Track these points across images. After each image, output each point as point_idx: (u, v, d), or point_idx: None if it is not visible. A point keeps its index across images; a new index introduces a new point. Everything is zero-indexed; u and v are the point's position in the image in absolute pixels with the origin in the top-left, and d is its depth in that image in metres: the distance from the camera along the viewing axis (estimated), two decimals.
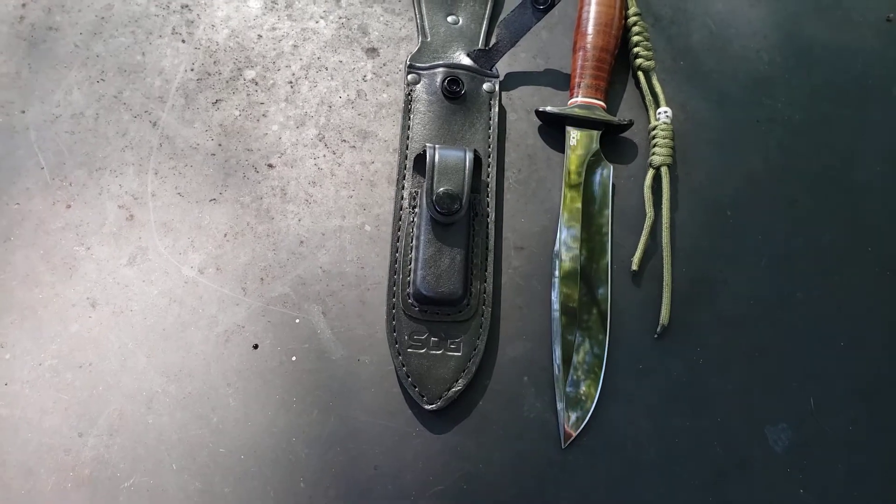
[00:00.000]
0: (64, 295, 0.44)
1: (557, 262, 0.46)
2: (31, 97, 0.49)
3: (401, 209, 0.46)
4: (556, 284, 0.45)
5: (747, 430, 0.44)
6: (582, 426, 0.42)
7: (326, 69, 0.52)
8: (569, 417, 0.42)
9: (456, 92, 0.49)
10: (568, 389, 0.43)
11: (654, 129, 0.50)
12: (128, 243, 0.46)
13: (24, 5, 0.52)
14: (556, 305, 0.45)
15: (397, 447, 0.42)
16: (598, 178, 0.48)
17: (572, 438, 0.42)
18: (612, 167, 0.49)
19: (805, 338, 0.47)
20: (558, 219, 0.48)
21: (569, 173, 0.48)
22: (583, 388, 0.43)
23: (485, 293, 0.44)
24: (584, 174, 0.48)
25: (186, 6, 0.53)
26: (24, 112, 0.49)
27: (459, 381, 0.42)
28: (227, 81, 0.51)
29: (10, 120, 0.48)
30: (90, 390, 0.42)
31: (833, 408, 0.45)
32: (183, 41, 0.52)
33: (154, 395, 0.42)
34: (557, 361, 0.44)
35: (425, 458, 0.42)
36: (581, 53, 0.51)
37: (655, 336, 0.46)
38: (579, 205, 0.47)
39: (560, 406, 0.43)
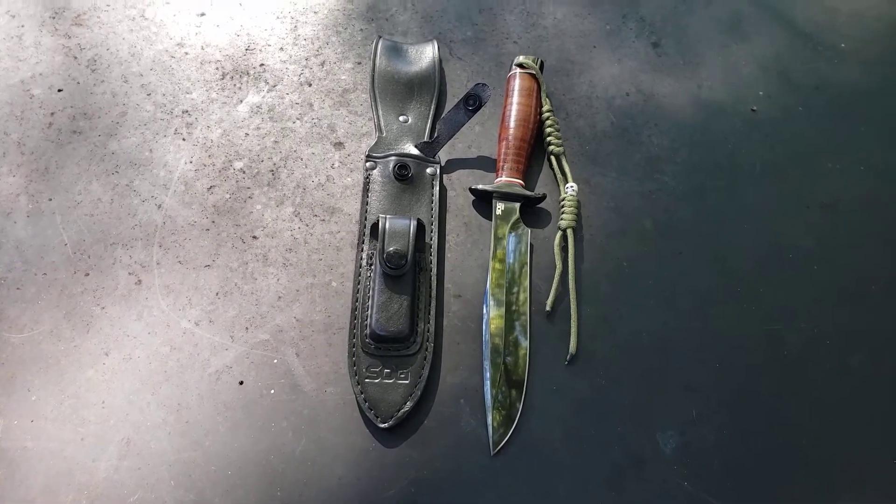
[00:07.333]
0: (82, 346, 0.52)
1: (487, 307, 0.55)
2: (58, 187, 0.58)
3: (360, 267, 0.55)
4: (487, 324, 0.54)
5: (641, 436, 0.51)
6: (507, 437, 0.50)
7: (301, 159, 0.62)
8: (496, 431, 0.50)
9: (405, 175, 0.59)
10: (496, 406, 0.51)
11: (562, 199, 0.60)
12: (136, 303, 0.54)
13: (52, 114, 0.62)
14: (486, 338, 0.54)
15: (357, 459, 0.49)
16: (519, 239, 0.58)
17: (499, 448, 0.50)
18: (529, 230, 0.59)
19: (686, 361, 0.55)
20: (488, 272, 0.57)
21: (496, 236, 0.58)
22: (508, 405, 0.51)
23: (428, 332, 0.53)
24: (507, 236, 0.59)
25: (186, 111, 0.64)
26: (51, 199, 0.58)
27: (408, 404, 0.50)
28: (220, 171, 0.61)
29: (39, 206, 0.57)
30: (103, 423, 0.49)
31: (709, 416, 0.53)
32: (183, 139, 0.62)
33: (157, 425, 0.49)
34: (488, 386, 0.52)
35: (380, 468, 0.49)
36: (504, 143, 0.62)
37: (566, 363, 0.54)
38: (504, 261, 0.58)
39: (490, 420, 0.51)
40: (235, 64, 0.68)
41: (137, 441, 0.49)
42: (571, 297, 0.56)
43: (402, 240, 0.53)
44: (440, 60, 0.69)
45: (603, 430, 0.52)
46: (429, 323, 0.54)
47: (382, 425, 0.50)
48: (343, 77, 0.68)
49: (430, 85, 0.66)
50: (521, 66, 0.66)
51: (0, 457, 0.47)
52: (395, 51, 0.68)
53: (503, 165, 0.62)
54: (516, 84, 0.65)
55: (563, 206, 0.60)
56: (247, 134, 0.63)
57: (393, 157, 0.60)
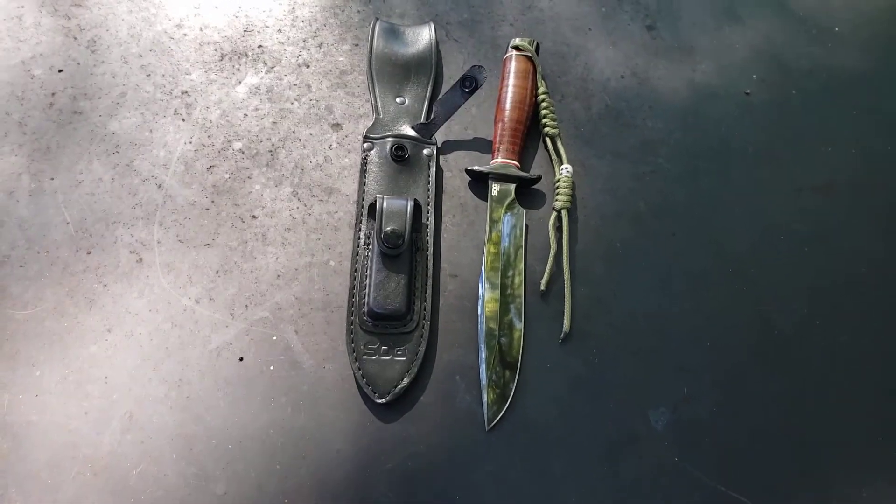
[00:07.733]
0: (85, 323, 0.52)
1: (483, 286, 0.56)
2: (59, 167, 0.59)
3: (358, 247, 0.56)
4: (482, 303, 0.55)
5: (634, 414, 0.52)
6: (502, 413, 0.51)
7: (300, 140, 0.63)
8: (490, 408, 0.51)
9: (401, 156, 0.60)
10: (491, 385, 0.52)
11: (557, 181, 0.60)
12: (137, 281, 0.54)
13: (53, 94, 0.62)
14: (482, 319, 0.55)
15: (355, 434, 0.50)
16: (514, 220, 0.59)
17: (494, 423, 0.51)
18: (524, 211, 0.60)
19: (679, 341, 0.56)
20: (483, 255, 0.58)
21: (491, 219, 0.59)
22: (503, 385, 0.52)
23: (425, 310, 0.54)
24: (503, 217, 0.59)
25: (186, 92, 0.64)
26: (52, 179, 0.58)
27: (404, 380, 0.51)
28: (219, 151, 0.61)
29: (41, 185, 0.58)
30: (106, 398, 0.50)
31: (701, 394, 0.54)
32: (183, 120, 0.62)
33: (158, 400, 0.50)
34: (483, 363, 0.53)
35: (378, 442, 0.50)
36: (500, 125, 0.62)
37: (560, 341, 0.55)
38: (499, 241, 0.58)
39: (485, 398, 0.51)
40: (234, 45, 0.68)
41: (140, 415, 0.50)
42: (565, 277, 0.57)
43: (400, 220, 0.54)
44: (437, 42, 0.69)
45: (596, 408, 0.53)
46: (425, 301, 0.55)
47: (380, 401, 0.50)
48: (340, 59, 0.68)
49: (427, 67, 0.67)
50: (517, 48, 0.66)
51: (5, 430, 0.48)
52: (393, 33, 0.68)
53: (499, 147, 0.62)
54: (512, 66, 0.65)
55: (557, 188, 0.61)
56: (245, 115, 0.64)
57: (390, 139, 0.61)
